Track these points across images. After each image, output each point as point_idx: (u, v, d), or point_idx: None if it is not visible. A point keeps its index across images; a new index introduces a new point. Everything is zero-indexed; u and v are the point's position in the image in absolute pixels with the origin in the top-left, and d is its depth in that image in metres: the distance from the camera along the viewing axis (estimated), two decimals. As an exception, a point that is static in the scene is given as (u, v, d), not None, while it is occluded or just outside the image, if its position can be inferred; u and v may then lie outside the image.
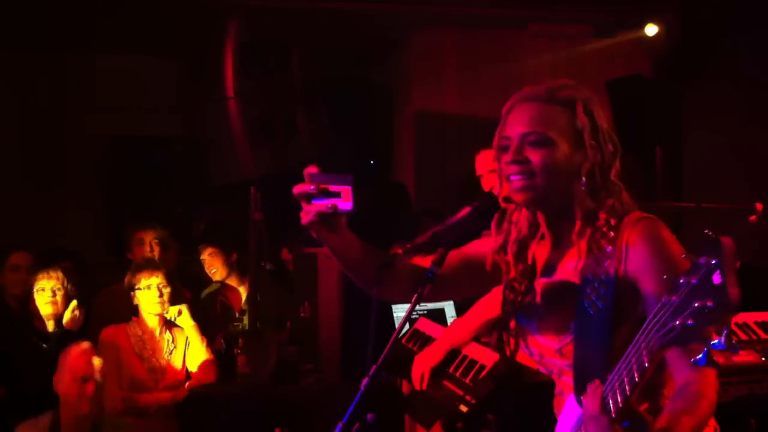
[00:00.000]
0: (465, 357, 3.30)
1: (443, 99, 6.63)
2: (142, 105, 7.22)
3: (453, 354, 3.37)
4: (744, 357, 3.35)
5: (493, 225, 2.13)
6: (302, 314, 4.83)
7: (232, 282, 5.20)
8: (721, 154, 5.97)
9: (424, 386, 3.36)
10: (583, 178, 1.95)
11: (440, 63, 6.64)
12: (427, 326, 3.81)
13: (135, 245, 5.15)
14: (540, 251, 2.09)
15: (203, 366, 4.47)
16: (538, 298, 2.04)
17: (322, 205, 1.96)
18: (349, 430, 1.84)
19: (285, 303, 5.01)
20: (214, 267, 5.17)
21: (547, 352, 2.05)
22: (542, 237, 2.09)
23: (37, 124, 7.01)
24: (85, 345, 3.78)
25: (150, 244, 5.09)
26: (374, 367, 1.89)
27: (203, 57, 6.42)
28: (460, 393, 3.18)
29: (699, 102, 6.29)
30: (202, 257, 5.22)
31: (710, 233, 1.49)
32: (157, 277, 4.39)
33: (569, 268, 1.99)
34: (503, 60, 6.61)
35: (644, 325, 1.60)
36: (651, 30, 6.00)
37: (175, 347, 4.45)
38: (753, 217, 3.17)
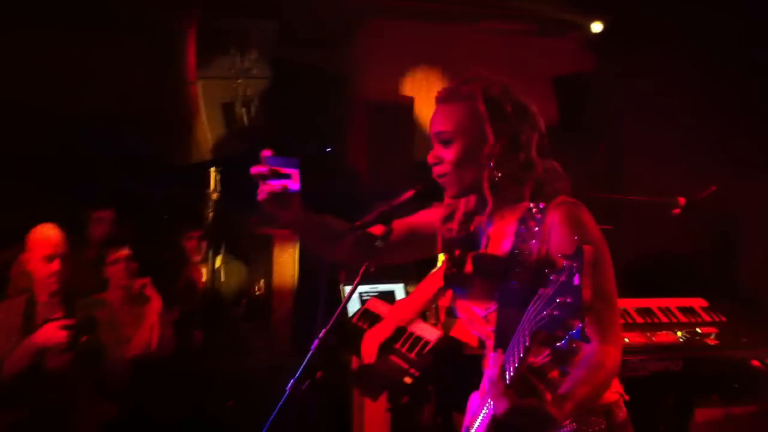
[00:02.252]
0: (411, 334, 3.53)
1: (396, 89, 6.83)
2: (111, 84, 7.20)
3: (400, 331, 3.60)
4: (663, 337, 3.66)
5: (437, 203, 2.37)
6: (257, 292, 5.01)
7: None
8: (661, 149, 6.23)
9: (372, 360, 3.59)
10: (491, 163, 2.17)
11: (393, 53, 6.83)
12: (376, 306, 4.04)
13: (93, 224, 5.29)
14: (480, 226, 2.32)
15: (163, 338, 4.58)
16: (470, 268, 2.27)
17: (275, 185, 2.18)
18: (300, 386, 2.05)
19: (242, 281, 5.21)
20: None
21: (475, 318, 2.29)
22: (484, 213, 2.30)
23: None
24: (50, 227, 3.90)
25: (108, 222, 5.24)
26: (324, 330, 2.10)
27: (171, 38, 6.49)
28: (405, 366, 3.41)
29: (641, 97, 6.57)
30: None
31: (576, 239, 1.75)
32: (123, 251, 4.60)
33: (500, 244, 2.22)
34: (454, 54, 6.85)
35: (526, 311, 1.81)
36: (596, 27, 6.20)
37: (139, 320, 4.57)
38: (676, 210, 3.44)
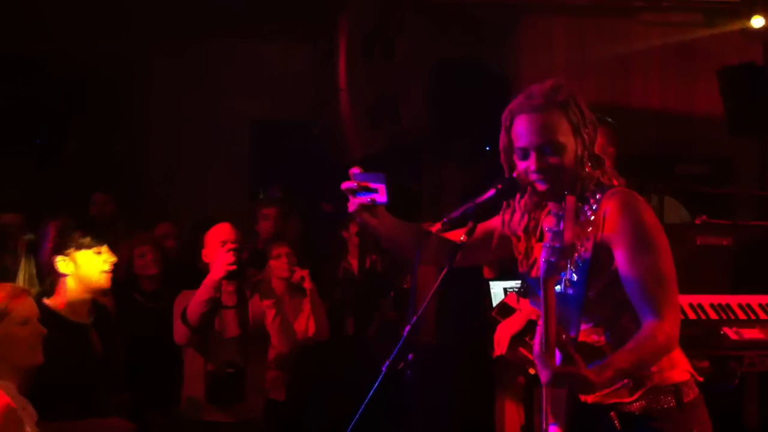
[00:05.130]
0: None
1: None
2: (279, 89, 7.68)
3: (531, 324, 3.74)
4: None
5: (505, 203, 2.47)
6: (405, 285, 5.26)
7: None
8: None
9: (503, 351, 3.75)
10: (588, 163, 2.30)
11: (549, 51, 6.85)
12: (514, 300, 4.19)
13: (260, 219, 5.70)
14: (547, 223, 2.42)
15: (319, 326, 4.89)
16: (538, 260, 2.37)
17: (364, 198, 2.41)
18: (395, 367, 2.26)
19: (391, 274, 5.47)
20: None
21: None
22: (549, 212, 2.43)
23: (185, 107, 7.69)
24: (223, 223, 4.21)
25: (273, 219, 5.62)
26: (414, 317, 2.29)
27: (331, 45, 6.84)
28: (531, 358, 3.55)
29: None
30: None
31: (567, 193, 1.99)
32: (284, 247, 4.94)
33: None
34: (611, 48, 6.79)
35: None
36: (757, 22, 5.95)
37: (298, 308, 4.88)
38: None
